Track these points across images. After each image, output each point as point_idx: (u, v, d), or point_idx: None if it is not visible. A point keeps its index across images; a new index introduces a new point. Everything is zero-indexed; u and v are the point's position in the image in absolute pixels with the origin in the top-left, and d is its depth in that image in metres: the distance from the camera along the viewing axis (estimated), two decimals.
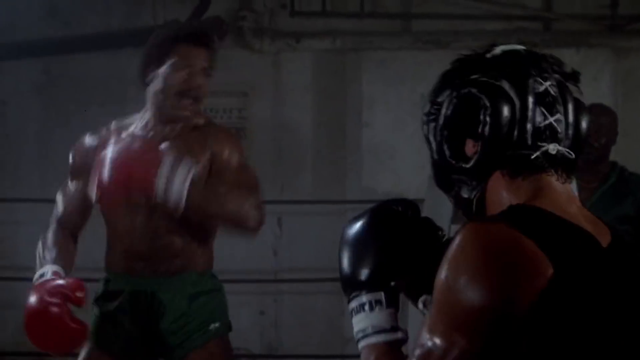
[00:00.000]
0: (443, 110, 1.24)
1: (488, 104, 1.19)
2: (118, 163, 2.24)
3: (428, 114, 1.27)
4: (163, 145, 2.24)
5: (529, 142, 1.19)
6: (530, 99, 1.19)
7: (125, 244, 2.29)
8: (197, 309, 2.33)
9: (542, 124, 1.20)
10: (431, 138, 1.26)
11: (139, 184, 2.18)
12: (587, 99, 4.05)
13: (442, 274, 1.14)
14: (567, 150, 1.22)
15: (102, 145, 2.33)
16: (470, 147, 1.22)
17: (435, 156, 1.26)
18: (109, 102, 4.61)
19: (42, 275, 2.21)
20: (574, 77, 1.27)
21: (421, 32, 4.53)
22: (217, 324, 2.37)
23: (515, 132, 1.19)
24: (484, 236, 1.13)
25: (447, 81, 1.28)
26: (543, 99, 1.20)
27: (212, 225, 2.42)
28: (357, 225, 1.27)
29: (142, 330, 2.30)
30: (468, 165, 1.22)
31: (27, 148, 4.68)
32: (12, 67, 4.60)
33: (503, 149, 1.20)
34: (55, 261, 2.26)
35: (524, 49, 1.25)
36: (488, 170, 1.22)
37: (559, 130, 1.21)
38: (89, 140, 2.40)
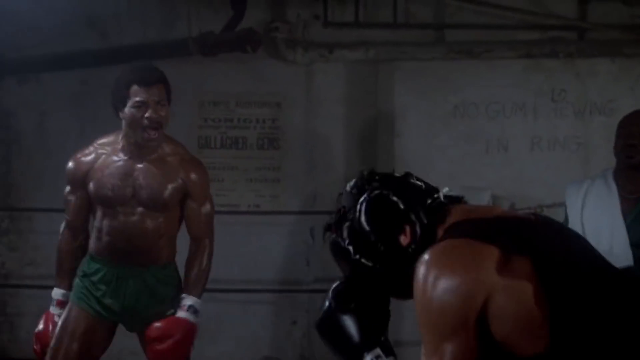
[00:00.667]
0: (364, 224, 1.52)
1: (402, 204, 1.51)
2: (114, 176, 2.91)
3: (348, 233, 1.57)
4: (143, 166, 2.92)
5: (432, 204, 1.51)
6: (411, 186, 1.56)
7: (111, 238, 2.94)
8: (157, 295, 2.97)
9: (427, 203, 1.52)
10: (356, 258, 1.55)
11: (129, 196, 2.91)
12: (623, 109, 4.02)
13: (418, 299, 1.37)
14: (443, 192, 1.55)
15: (95, 161, 2.97)
16: (402, 238, 1.47)
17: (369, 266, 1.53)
18: None
19: (52, 301, 3.07)
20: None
21: (454, 43, 4.52)
22: (172, 311, 2.96)
23: (425, 209, 1.50)
24: (437, 253, 1.37)
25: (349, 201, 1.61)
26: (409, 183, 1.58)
27: (175, 231, 3.03)
28: (329, 314, 1.63)
29: (114, 302, 2.96)
30: (409, 252, 1.46)
31: (66, 159, 4.73)
32: (51, 79, 4.69)
33: (424, 227, 1.47)
34: (61, 283, 3.07)
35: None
36: (427, 241, 1.44)
37: (425, 186, 1.57)
38: (83, 157, 3.00)
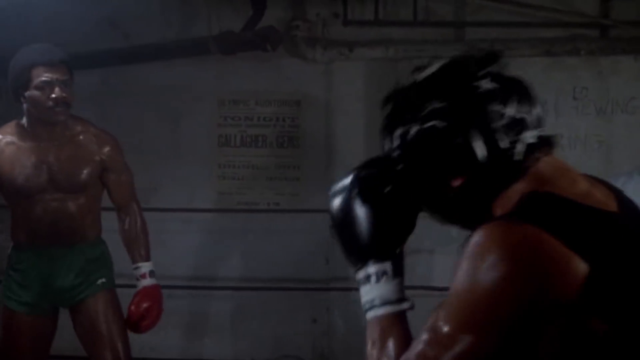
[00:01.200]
0: (415, 153, 1.22)
1: (461, 141, 1.16)
2: (25, 166, 2.85)
3: (398, 157, 1.26)
4: (55, 149, 2.86)
5: (504, 144, 1.16)
6: (483, 106, 1.16)
7: (33, 227, 2.92)
8: (87, 270, 3.00)
9: (503, 122, 1.16)
10: (406, 177, 1.24)
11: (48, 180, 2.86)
12: None
13: (463, 270, 1.14)
14: (535, 133, 1.19)
15: (1, 152, 2.88)
16: (453, 181, 1.20)
17: (420, 194, 1.25)
18: (164, 112, 4.70)
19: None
20: (492, 57, 1.23)
21: (474, 40, 4.50)
22: (103, 279, 3.03)
23: (493, 148, 1.16)
24: (509, 239, 1.10)
25: (402, 116, 1.29)
26: (491, 99, 1.17)
27: (98, 206, 3.05)
28: (347, 197, 1.28)
29: (45, 288, 2.96)
30: (459, 198, 1.21)
31: None
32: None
33: (489, 169, 1.17)
34: None
35: (445, 60, 1.24)
36: (482, 194, 1.20)
37: (521, 115, 1.18)
38: None
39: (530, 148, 1.18)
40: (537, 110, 1.20)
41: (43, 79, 2.78)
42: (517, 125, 1.17)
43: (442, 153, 1.18)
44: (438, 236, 4.47)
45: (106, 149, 2.99)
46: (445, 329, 1.14)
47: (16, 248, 3.02)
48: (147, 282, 3.01)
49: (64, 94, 2.81)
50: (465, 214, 1.23)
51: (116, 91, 4.62)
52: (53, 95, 2.78)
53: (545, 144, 1.21)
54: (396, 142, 1.28)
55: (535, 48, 4.40)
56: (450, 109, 1.17)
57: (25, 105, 2.84)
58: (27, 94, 2.80)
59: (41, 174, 2.87)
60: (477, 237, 1.13)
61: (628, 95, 4.45)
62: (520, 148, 1.16)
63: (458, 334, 1.12)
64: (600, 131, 4.45)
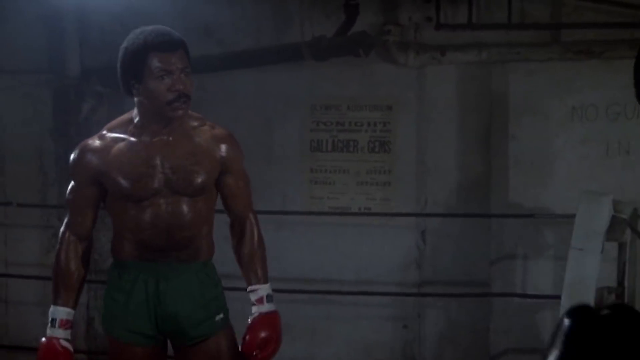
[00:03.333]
0: None
1: None
2: (137, 164, 2.44)
3: None
4: (170, 146, 2.46)
5: None
6: None
7: (143, 236, 2.46)
8: (205, 300, 2.54)
9: None
10: None
11: (168, 182, 2.45)
12: None
13: None
14: None
15: (108, 150, 2.46)
16: None
17: None
18: (257, 117, 4.78)
19: (52, 322, 2.49)
20: None
21: (571, 42, 4.38)
22: (221, 315, 2.57)
23: None
24: None
25: None
26: None
27: (213, 216, 2.60)
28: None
29: (157, 314, 2.50)
30: None
31: None
32: None
33: None
34: (66, 301, 2.50)
35: None
36: None
37: None
38: (90, 148, 2.49)
39: None
40: None
41: (160, 67, 2.36)
42: None
43: None
44: (533, 242, 4.37)
45: (225, 147, 2.56)
46: None
47: (119, 265, 2.55)
48: (265, 308, 2.56)
49: (184, 85, 2.40)
50: None
51: (214, 97, 4.73)
52: (173, 87, 2.37)
53: None
54: None
55: (635, 49, 4.24)
56: None
57: (136, 99, 2.43)
58: (140, 85, 2.38)
59: (155, 173, 2.44)
60: None
61: None
62: None
63: None
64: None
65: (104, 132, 2.52)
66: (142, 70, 2.36)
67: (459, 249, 4.58)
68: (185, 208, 2.46)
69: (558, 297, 3.82)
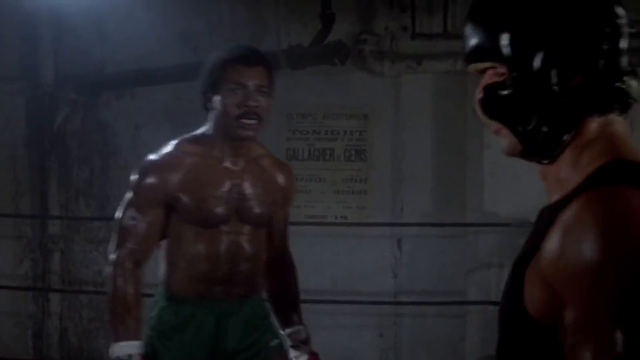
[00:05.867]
0: (553, 34, 1.09)
1: (609, 31, 1.08)
2: (215, 187, 2.28)
3: (533, 34, 1.10)
4: (243, 171, 2.32)
5: (623, 76, 1.10)
6: (624, 30, 1.10)
7: (208, 268, 2.28)
8: (259, 328, 2.40)
9: (626, 60, 1.10)
10: (531, 62, 1.10)
11: (236, 210, 2.30)
12: None
13: (581, 255, 0.96)
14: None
15: (181, 169, 2.28)
16: (574, 78, 1.09)
17: (529, 82, 1.10)
18: None
19: (129, 358, 2.21)
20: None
21: None
22: (277, 340, 2.44)
23: (617, 66, 1.09)
24: (622, 205, 0.98)
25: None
26: (625, 32, 1.11)
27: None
28: None
29: (215, 355, 2.32)
30: (568, 100, 1.08)
31: None
32: (146, 93, 4.84)
33: (609, 85, 1.08)
34: (136, 333, 2.24)
35: None
36: (588, 107, 1.09)
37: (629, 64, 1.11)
38: (161, 164, 2.28)
39: (623, 95, 1.10)
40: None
41: (235, 80, 2.21)
42: (630, 69, 1.11)
43: (592, 38, 1.08)
44: (508, 251, 4.40)
45: (287, 180, 2.44)
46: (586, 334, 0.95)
47: (174, 300, 2.32)
48: (309, 349, 2.44)
49: (257, 103, 2.21)
50: (555, 129, 1.11)
51: (188, 106, 4.71)
52: (244, 102, 2.20)
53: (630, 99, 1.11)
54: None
55: None
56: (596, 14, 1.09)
57: (210, 113, 2.30)
58: (215, 97, 2.25)
59: (231, 199, 2.29)
60: (589, 212, 0.98)
61: None
62: (625, 89, 1.10)
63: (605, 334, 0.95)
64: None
65: (174, 147, 2.31)
66: (219, 81, 2.23)
67: (435, 257, 4.59)
68: (249, 238, 2.32)
69: None
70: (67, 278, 5.02)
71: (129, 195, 2.30)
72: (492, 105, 1.17)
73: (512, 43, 1.11)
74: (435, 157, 4.64)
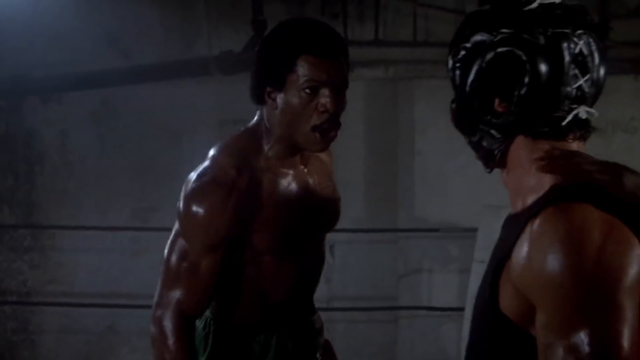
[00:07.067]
0: (476, 65, 1.21)
1: (528, 67, 1.16)
2: (293, 208, 1.81)
3: (459, 59, 1.23)
4: (312, 178, 1.91)
5: (562, 106, 1.17)
6: (567, 60, 1.16)
7: (278, 296, 1.84)
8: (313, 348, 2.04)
9: (574, 86, 1.17)
10: (459, 84, 1.24)
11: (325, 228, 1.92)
12: None
13: (546, 265, 1.08)
14: (591, 110, 1.19)
15: (252, 191, 1.75)
16: (498, 104, 1.20)
17: (462, 104, 1.25)
18: (164, 132, 4.71)
19: None
20: (600, 29, 1.21)
21: None
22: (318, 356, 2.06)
23: (550, 96, 1.17)
24: (579, 220, 1.09)
25: (481, 28, 1.22)
26: (577, 60, 1.17)
27: None
28: None
29: None
30: (496, 121, 1.21)
31: (87, 177, 4.79)
32: (72, 97, 4.73)
33: (535, 111, 1.18)
34: None
35: (560, 3, 1.20)
36: (515, 130, 1.21)
37: (587, 90, 1.18)
38: (231, 196, 1.72)
39: (575, 123, 1.19)
40: (593, 90, 1.20)
41: (312, 77, 1.71)
42: (580, 95, 1.18)
43: (512, 70, 1.17)
44: (438, 256, 4.46)
45: (330, 158, 2.07)
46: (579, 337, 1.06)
47: (232, 332, 1.84)
48: (323, 339, 2.12)
49: (337, 106, 1.76)
50: (490, 143, 1.25)
51: (117, 111, 4.63)
52: (324, 107, 1.73)
53: (584, 126, 1.20)
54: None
55: None
56: (538, 43, 1.17)
57: (267, 112, 1.81)
58: (280, 94, 1.76)
59: (311, 217, 1.85)
60: (548, 229, 1.10)
61: (628, 115, 4.46)
62: (570, 117, 1.18)
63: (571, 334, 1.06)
64: (601, 151, 4.41)
65: (234, 165, 1.75)
66: (286, 75, 1.72)
67: (368, 263, 4.62)
68: (324, 249, 1.96)
69: (462, 309, 3.91)
70: (16, 289, 4.87)
71: (178, 229, 1.80)
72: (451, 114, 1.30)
73: (451, 68, 1.25)
74: (367, 163, 4.68)
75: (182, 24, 4.68)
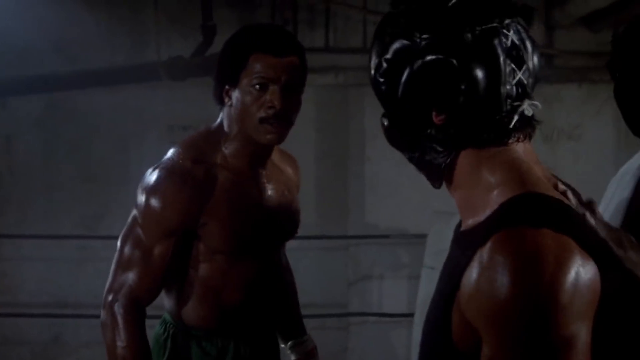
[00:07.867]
0: (405, 76, 1.09)
1: (462, 73, 1.05)
2: (248, 208, 1.86)
3: (382, 74, 1.13)
4: (270, 181, 1.94)
5: (505, 106, 1.07)
6: (502, 58, 1.06)
7: (233, 299, 1.87)
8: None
9: (513, 83, 1.07)
10: (387, 99, 1.13)
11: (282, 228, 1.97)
12: (591, 133, 4.08)
13: (492, 296, 1.00)
14: (535, 103, 1.09)
15: (209, 185, 1.81)
16: (435, 116, 1.09)
17: (395, 120, 1.13)
18: (112, 137, 4.64)
19: None
20: (526, 12, 1.10)
21: None
22: None
23: (490, 99, 1.06)
24: (530, 249, 1.00)
25: (400, 34, 1.10)
26: (511, 54, 1.07)
27: None
28: None
29: None
30: (437, 135, 1.10)
31: (32, 183, 4.69)
32: (17, 102, 4.64)
33: (477, 118, 1.07)
34: None
35: None
36: (459, 141, 1.10)
37: (526, 82, 1.08)
38: (189, 179, 1.79)
39: (521, 121, 1.09)
40: (532, 80, 1.09)
41: (261, 73, 1.77)
42: (520, 90, 1.08)
43: (443, 79, 1.06)
44: (388, 262, 4.48)
45: (297, 173, 2.14)
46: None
47: (191, 335, 1.88)
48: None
49: (285, 104, 1.79)
50: (434, 157, 1.14)
51: (62, 116, 4.55)
52: (269, 103, 1.77)
53: (531, 122, 1.11)
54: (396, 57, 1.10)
55: None
56: (468, 44, 1.06)
57: (226, 109, 1.85)
58: (234, 93, 1.81)
59: (266, 219, 1.90)
60: (500, 256, 1.01)
61: (573, 123, 4.55)
62: (516, 116, 1.08)
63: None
64: (546, 158, 4.53)
65: (186, 157, 1.83)
66: (240, 72, 1.78)
67: (318, 270, 4.62)
68: (282, 260, 2.03)
69: (412, 315, 3.93)
70: None
71: (134, 217, 1.85)
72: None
73: (374, 82, 1.16)
74: (318, 169, 4.68)
75: (130, 29, 4.63)
